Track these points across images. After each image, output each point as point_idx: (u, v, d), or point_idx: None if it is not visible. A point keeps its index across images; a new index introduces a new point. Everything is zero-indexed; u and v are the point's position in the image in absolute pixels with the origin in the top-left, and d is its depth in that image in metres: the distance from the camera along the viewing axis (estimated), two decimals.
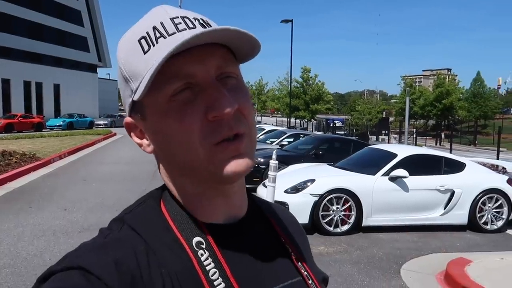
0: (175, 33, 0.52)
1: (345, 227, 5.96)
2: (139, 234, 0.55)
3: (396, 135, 35.62)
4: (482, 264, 4.59)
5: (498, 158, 13.42)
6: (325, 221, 5.88)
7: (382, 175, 6.23)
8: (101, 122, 35.57)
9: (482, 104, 47.27)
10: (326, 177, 6.27)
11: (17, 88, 35.73)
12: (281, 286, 0.59)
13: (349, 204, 5.97)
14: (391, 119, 48.51)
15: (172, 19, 0.53)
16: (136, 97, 0.53)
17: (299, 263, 0.64)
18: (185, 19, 0.54)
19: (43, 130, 28.56)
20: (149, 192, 0.63)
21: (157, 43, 0.52)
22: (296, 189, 5.97)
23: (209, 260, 0.54)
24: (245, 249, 0.59)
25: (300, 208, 5.81)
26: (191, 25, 0.53)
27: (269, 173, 5.59)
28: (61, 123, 31.13)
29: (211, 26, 0.54)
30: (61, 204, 7.12)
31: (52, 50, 39.71)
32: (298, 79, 41.53)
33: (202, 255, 0.54)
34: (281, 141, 13.06)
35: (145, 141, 0.59)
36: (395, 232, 6.15)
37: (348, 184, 6.03)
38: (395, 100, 61.23)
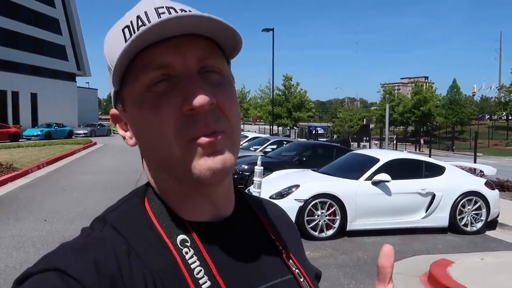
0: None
1: (330, 232, 6.00)
2: (121, 233, 0.53)
3: (377, 142, 36.18)
4: (464, 265, 4.69)
5: (475, 162, 13.81)
6: (310, 226, 5.91)
7: (365, 180, 6.32)
8: (81, 132, 34.98)
9: (459, 111, 48.63)
10: (311, 182, 6.32)
11: None
12: (271, 284, 0.57)
13: (333, 209, 6.02)
14: (371, 126, 49.31)
15: (156, 9, 0.52)
16: (114, 87, 0.53)
17: (290, 260, 0.62)
18: (170, 9, 0.52)
19: (20, 140, 27.80)
20: (134, 189, 0.61)
21: (138, 30, 0.50)
22: (281, 195, 5.99)
23: (194, 258, 0.52)
24: (232, 247, 0.57)
25: None
26: (173, 13, 0.51)
27: (254, 179, 5.61)
28: (39, 132, 30.40)
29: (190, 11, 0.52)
30: (41, 214, 6.94)
31: (29, 58, 38.88)
32: (280, 87, 41.86)
33: (186, 253, 0.52)
34: (265, 148, 13.11)
35: (128, 134, 0.57)
36: (379, 236, 6.22)
37: (332, 189, 6.08)
38: (375, 107, 62.27)
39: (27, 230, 6.01)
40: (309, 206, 5.92)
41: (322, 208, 5.98)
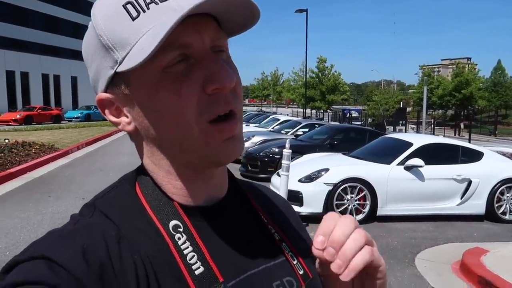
0: None
1: (359, 217, 5.93)
2: (111, 219, 0.52)
3: (413, 126, 35.07)
4: (499, 254, 4.52)
5: None
6: (339, 210, 5.85)
7: (398, 164, 6.15)
8: None
9: (503, 93, 46.08)
10: (341, 166, 6.23)
11: (36, 81, 36.43)
12: (263, 267, 0.57)
13: (363, 193, 5.92)
14: (408, 109, 47.74)
15: None
16: (125, 67, 0.48)
17: (283, 243, 0.61)
18: None
19: (61, 122, 29.12)
20: (123, 175, 0.60)
21: (148, 9, 0.48)
22: (310, 178, 5.96)
23: (187, 243, 0.52)
24: (225, 231, 0.56)
25: (314, 197, 5.80)
26: None
27: (282, 162, 5.58)
28: (79, 114, 31.63)
29: None
30: (79, 193, 7.27)
31: (68, 43, 40.26)
32: (313, 69, 41.17)
33: (179, 238, 0.52)
34: (296, 131, 12.99)
35: (124, 119, 0.55)
36: (410, 222, 6.09)
37: (363, 173, 5.98)
38: (413, 90, 60.15)
39: (66, 207, 6.33)
40: (339, 190, 5.85)
41: (351, 193, 5.90)
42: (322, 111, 42.44)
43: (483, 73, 50.36)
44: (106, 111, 0.56)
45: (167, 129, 0.52)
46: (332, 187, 5.83)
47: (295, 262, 0.60)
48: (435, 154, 6.39)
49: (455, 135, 33.84)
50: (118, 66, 0.50)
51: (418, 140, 6.60)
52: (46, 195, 7.10)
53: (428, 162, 6.08)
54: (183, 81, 0.49)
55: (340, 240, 0.49)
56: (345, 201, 5.88)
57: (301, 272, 0.60)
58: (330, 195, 5.81)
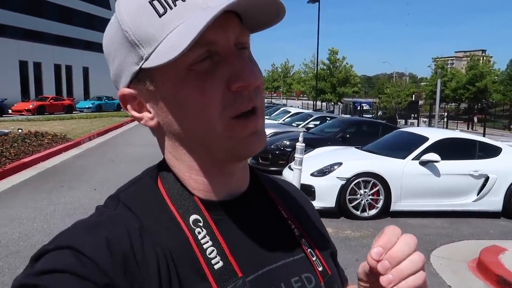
0: None
1: (372, 212, 5.84)
2: (134, 212, 0.53)
3: (426, 119, 34.60)
4: None
5: None
6: (352, 205, 5.77)
7: (413, 159, 6.03)
8: None
9: None
10: (354, 160, 6.13)
11: (48, 71, 36.68)
12: (282, 263, 0.58)
13: (377, 188, 5.83)
14: (421, 102, 47.08)
15: None
16: (153, 64, 0.49)
17: (303, 239, 0.61)
18: None
19: (73, 112, 29.36)
20: (145, 169, 0.61)
21: (174, 5, 0.49)
22: (322, 172, 5.87)
23: (207, 238, 0.52)
24: (245, 226, 0.57)
25: (327, 191, 5.73)
26: None
27: (295, 155, 5.51)
28: (90, 105, 31.87)
29: None
30: (91, 184, 7.30)
31: (81, 33, 40.44)
32: (325, 61, 40.75)
33: (199, 233, 0.52)
34: (307, 124, 12.88)
35: (146, 114, 0.56)
36: (425, 218, 5.98)
37: (377, 168, 5.87)
38: (425, 83, 59.27)
39: (79, 198, 6.36)
40: (352, 185, 5.76)
41: (365, 187, 5.81)
42: (332, 103, 42.10)
43: (498, 66, 49.39)
44: (128, 106, 0.56)
45: (191, 125, 0.52)
46: (345, 181, 5.74)
47: (314, 259, 0.61)
48: (451, 149, 6.25)
49: (468, 129, 33.31)
50: (144, 62, 0.50)
51: (434, 134, 6.46)
52: (58, 185, 7.14)
53: (444, 157, 5.94)
54: (208, 78, 0.50)
55: (398, 258, 0.49)
56: (358, 195, 5.80)
57: (320, 269, 0.60)
58: (343, 190, 5.73)
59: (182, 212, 0.54)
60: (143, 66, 0.50)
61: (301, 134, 6.05)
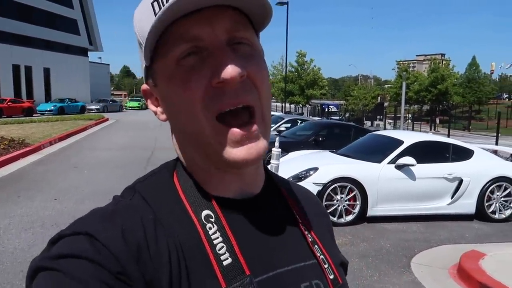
0: None
1: (349, 217, 5.72)
2: (149, 203, 0.54)
3: (391, 121, 35.45)
4: (497, 258, 4.38)
5: (497, 144, 13.28)
6: (329, 211, 5.61)
7: (388, 163, 5.96)
8: (93, 107, 34.89)
9: (477, 89, 47.18)
10: (330, 165, 5.99)
11: (6, 72, 34.78)
12: (293, 267, 0.57)
13: (353, 193, 5.71)
14: (385, 104, 48.28)
15: None
16: (146, 62, 0.53)
17: (315, 246, 0.61)
18: None
19: (34, 115, 27.92)
20: (164, 162, 0.61)
21: (167, 2, 0.49)
22: (298, 178, 5.69)
23: (217, 234, 0.52)
24: (257, 226, 0.56)
25: None
26: None
27: (271, 161, 5.30)
28: (52, 107, 30.41)
29: None
30: (51, 193, 6.79)
31: (41, 32, 38.59)
32: (293, 63, 40.99)
33: (210, 228, 0.53)
34: (279, 127, 12.73)
35: (159, 109, 0.57)
36: (400, 222, 5.92)
37: (353, 172, 5.75)
38: (389, 85, 60.92)
39: (37, 209, 5.86)
40: (328, 190, 5.61)
41: (341, 193, 5.68)
42: (301, 105, 42.40)
43: (457, 69, 51.36)
44: (149, 101, 0.59)
45: (183, 122, 0.53)
46: (322, 187, 5.59)
47: (326, 266, 0.60)
48: (426, 152, 6.23)
49: (430, 129, 34.41)
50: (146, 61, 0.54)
51: (409, 137, 6.43)
52: (15, 195, 6.59)
53: (419, 160, 5.91)
54: (193, 74, 0.50)
55: None
56: (335, 201, 5.66)
57: (331, 277, 0.60)
58: (319, 196, 5.56)
59: (194, 207, 0.54)
60: (146, 64, 0.54)
61: (277, 138, 5.85)
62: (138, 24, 0.54)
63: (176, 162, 0.60)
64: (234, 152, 0.51)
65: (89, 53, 48.79)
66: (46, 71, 39.75)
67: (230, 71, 0.48)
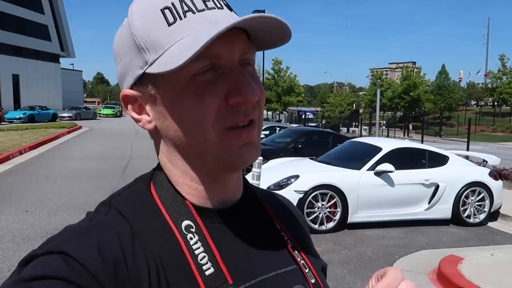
0: (205, 10, 0.51)
1: (330, 224, 5.73)
2: (125, 217, 0.53)
3: (366, 127, 36.10)
4: (474, 261, 4.47)
5: (468, 149, 13.68)
6: (310, 218, 5.61)
7: (368, 170, 6.02)
8: (65, 115, 33.96)
9: (447, 96, 48.72)
10: (311, 172, 6.00)
11: None
12: (274, 274, 0.57)
13: (334, 200, 5.73)
14: (360, 111, 49.18)
15: None
16: (157, 70, 0.50)
17: (295, 251, 0.61)
18: None
19: (2, 123, 26.93)
20: (139, 175, 0.60)
21: (185, 17, 0.50)
22: (279, 186, 5.67)
23: (199, 244, 0.52)
24: (237, 235, 0.57)
25: None
26: (218, 5, 0.52)
27: (253, 169, 5.25)
28: (22, 115, 29.41)
29: (230, 6, 0.55)
30: (22, 205, 6.51)
31: (10, 38, 37.40)
32: (269, 71, 41.26)
33: (191, 238, 0.52)
34: None
35: (145, 117, 0.56)
36: (380, 228, 5.98)
37: (334, 180, 5.78)
38: (363, 92, 62.18)
39: (7, 222, 5.59)
40: (309, 198, 5.61)
41: (322, 200, 5.69)
42: (278, 112, 42.65)
43: (428, 77, 52.76)
44: (129, 107, 0.57)
45: (186, 132, 0.53)
46: (303, 194, 5.58)
47: (307, 271, 0.60)
48: (403, 159, 6.34)
49: (404, 135, 35.24)
50: (147, 67, 0.52)
51: (387, 144, 6.52)
52: None
53: (397, 167, 6.00)
54: (208, 89, 0.51)
55: None
56: (316, 209, 5.66)
57: (312, 281, 0.60)
58: (300, 203, 5.55)
59: (174, 218, 0.54)
60: (146, 71, 0.52)
61: None
62: (142, 26, 0.52)
63: (152, 173, 0.59)
64: (238, 153, 0.52)
65: (61, 60, 47.65)
66: (15, 78, 38.50)
67: (250, 93, 0.51)
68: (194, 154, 0.55)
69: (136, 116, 0.57)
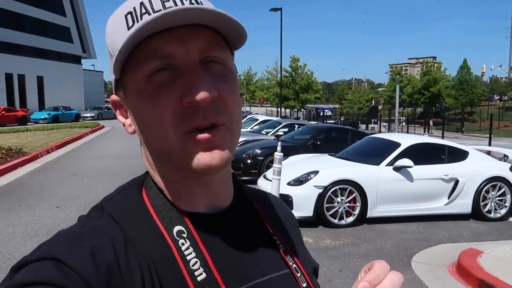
0: (160, 10, 0.49)
1: (349, 219, 5.83)
2: (118, 223, 0.53)
3: (385, 124, 35.74)
4: (494, 255, 4.50)
5: (490, 145, 13.50)
6: (330, 213, 5.73)
7: (387, 165, 6.09)
8: (88, 115, 34.85)
9: (469, 91, 47.71)
10: (330, 168, 6.11)
11: None
12: (267, 278, 0.57)
13: (353, 195, 5.82)
14: (379, 107, 48.66)
15: None
16: (115, 75, 0.53)
17: (287, 255, 0.62)
18: None
19: (28, 123, 27.83)
20: (132, 179, 0.60)
21: (141, 19, 0.50)
22: (299, 181, 5.80)
23: (190, 249, 0.52)
24: (229, 240, 0.57)
25: (304, 200, 5.65)
26: (179, 3, 0.50)
27: (274, 165, 5.40)
28: (46, 116, 30.34)
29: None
30: (53, 201, 6.83)
31: (34, 41, 38.51)
32: (287, 68, 41.23)
33: (183, 244, 0.52)
34: (277, 131, 12.84)
35: (127, 121, 0.57)
36: (399, 223, 6.04)
37: (353, 175, 5.87)
38: (382, 89, 61.43)
39: (40, 217, 5.91)
40: (329, 193, 5.72)
41: (342, 195, 5.79)
42: (295, 110, 42.60)
43: (448, 72, 51.71)
44: (117, 112, 0.59)
45: (151, 135, 0.53)
46: (323, 190, 5.69)
47: (298, 275, 0.61)
48: (422, 154, 6.38)
49: (424, 132, 34.72)
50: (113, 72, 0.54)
51: (406, 140, 6.57)
52: (16, 204, 6.62)
53: (416, 162, 6.05)
54: (163, 91, 0.50)
55: None
56: (336, 203, 5.76)
57: (304, 285, 0.60)
58: (320, 198, 5.67)
59: (166, 223, 0.54)
60: (115, 77, 0.54)
61: (279, 143, 5.96)
62: (110, 35, 0.54)
63: (144, 177, 0.59)
64: (198, 158, 0.51)
65: (83, 61, 48.74)
66: (40, 79, 39.64)
67: (201, 93, 0.48)
68: (164, 157, 0.54)
69: (122, 120, 0.58)
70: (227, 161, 0.53)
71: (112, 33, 0.53)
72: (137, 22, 0.50)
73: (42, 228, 5.41)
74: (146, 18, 0.48)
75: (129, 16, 0.51)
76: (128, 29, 0.50)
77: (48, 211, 6.25)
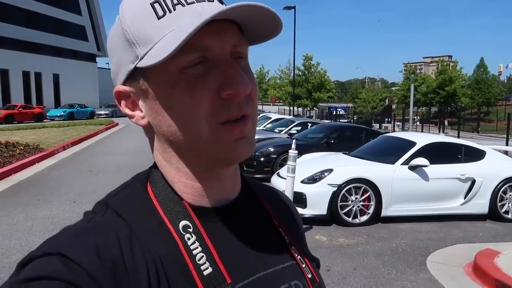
0: (194, 3, 0.51)
1: (364, 218, 5.80)
2: (123, 218, 0.53)
3: (399, 123, 35.37)
4: (511, 255, 4.43)
5: (507, 145, 13.27)
6: (344, 212, 5.71)
7: (402, 164, 6.04)
8: (102, 112, 35.28)
9: (485, 91, 46.89)
10: (344, 166, 6.08)
11: (16, 78, 35.36)
12: (272, 270, 0.58)
13: (368, 194, 5.79)
14: (393, 106, 48.15)
15: None
16: (145, 64, 0.50)
17: (292, 247, 0.62)
18: None
19: (44, 120, 28.33)
20: (136, 174, 0.60)
21: (174, 10, 0.50)
22: (313, 179, 5.79)
23: (196, 244, 0.52)
24: (235, 233, 0.57)
25: (318, 198, 5.64)
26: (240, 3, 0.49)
27: (288, 163, 5.40)
28: (62, 113, 30.85)
29: (222, 0, 0.54)
30: (69, 196, 6.96)
31: (49, 39, 39.17)
32: (300, 67, 41.08)
33: (189, 239, 0.52)
34: (290, 129, 12.83)
35: (138, 113, 0.56)
36: (414, 222, 5.98)
37: (367, 173, 5.84)
38: (396, 88, 60.75)
39: (58, 212, 6.02)
40: (343, 191, 5.70)
41: (356, 193, 5.76)
42: (308, 108, 42.44)
43: (465, 71, 50.99)
44: (123, 103, 0.57)
45: (178, 128, 0.53)
46: (337, 188, 5.67)
47: (303, 266, 0.61)
48: (438, 153, 6.30)
49: (439, 132, 34.26)
50: (138, 62, 0.51)
51: (421, 139, 6.50)
52: (34, 199, 6.76)
53: (431, 161, 5.98)
54: (199, 82, 0.50)
55: None
56: (350, 202, 5.74)
57: (309, 276, 0.61)
58: (334, 197, 5.66)
59: (171, 218, 0.54)
60: (137, 65, 0.51)
61: (293, 141, 5.95)
62: (132, 20, 0.52)
63: (148, 172, 0.59)
64: (231, 147, 0.52)
65: (98, 59, 49.41)
66: (56, 77, 40.31)
67: (242, 86, 0.50)
68: (188, 150, 0.54)
69: (129, 112, 0.57)
70: (253, 151, 0.55)
71: (134, 21, 0.51)
72: (169, 12, 0.50)
73: (60, 222, 5.51)
74: (191, 11, 0.49)
75: (157, 5, 0.50)
76: (159, 19, 0.50)
77: (65, 205, 6.36)
